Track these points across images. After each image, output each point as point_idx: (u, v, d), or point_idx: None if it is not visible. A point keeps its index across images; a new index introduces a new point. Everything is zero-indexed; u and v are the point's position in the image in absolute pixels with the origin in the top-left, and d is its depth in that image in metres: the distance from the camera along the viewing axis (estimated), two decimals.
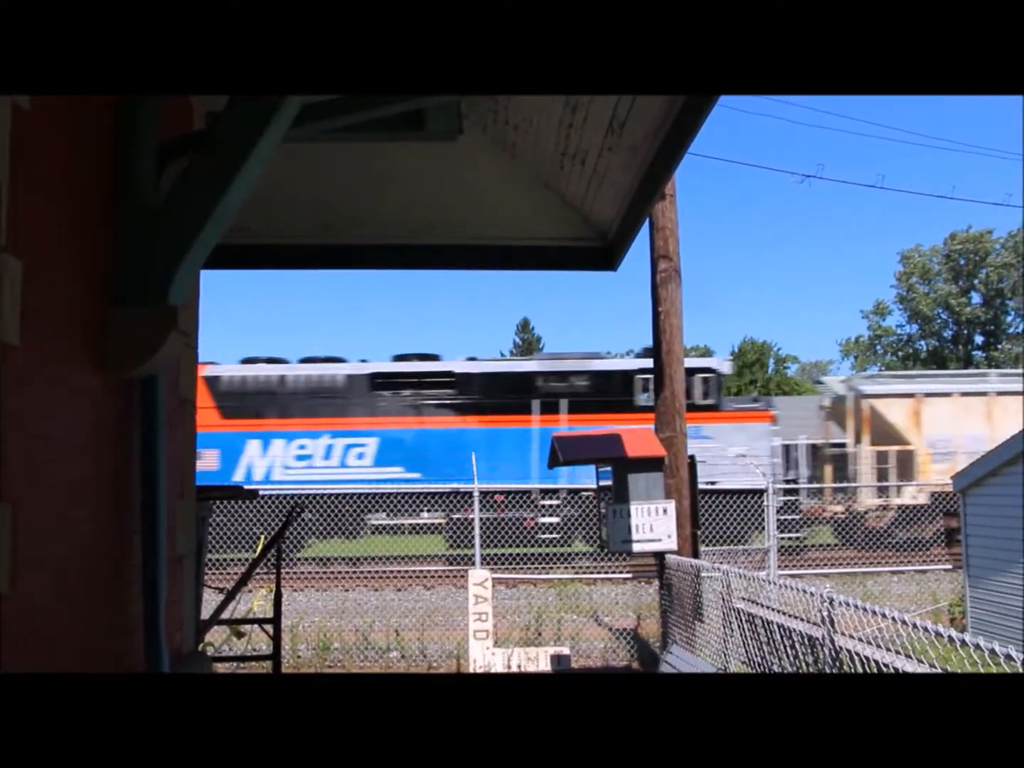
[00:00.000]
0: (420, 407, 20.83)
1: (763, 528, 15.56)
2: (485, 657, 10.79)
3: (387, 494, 18.78)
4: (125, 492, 3.52)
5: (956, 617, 13.69)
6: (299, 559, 19.52)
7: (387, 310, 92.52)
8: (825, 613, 5.42)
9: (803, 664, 5.94)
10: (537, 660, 10.59)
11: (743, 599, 7.63)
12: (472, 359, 21.84)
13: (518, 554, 16.79)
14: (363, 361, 21.84)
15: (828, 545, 20.79)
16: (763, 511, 15.22)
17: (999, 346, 51.45)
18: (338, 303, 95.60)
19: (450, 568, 17.98)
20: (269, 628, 6.32)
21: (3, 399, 2.54)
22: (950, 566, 16.78)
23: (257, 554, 6.38)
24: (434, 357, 21.79)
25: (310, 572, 18.16)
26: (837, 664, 5.28)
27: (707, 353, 55.83)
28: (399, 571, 18.23)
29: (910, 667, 4.58)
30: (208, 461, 19.14)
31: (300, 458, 20.63)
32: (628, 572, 15.67)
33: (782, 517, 18.49)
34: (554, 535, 20.00)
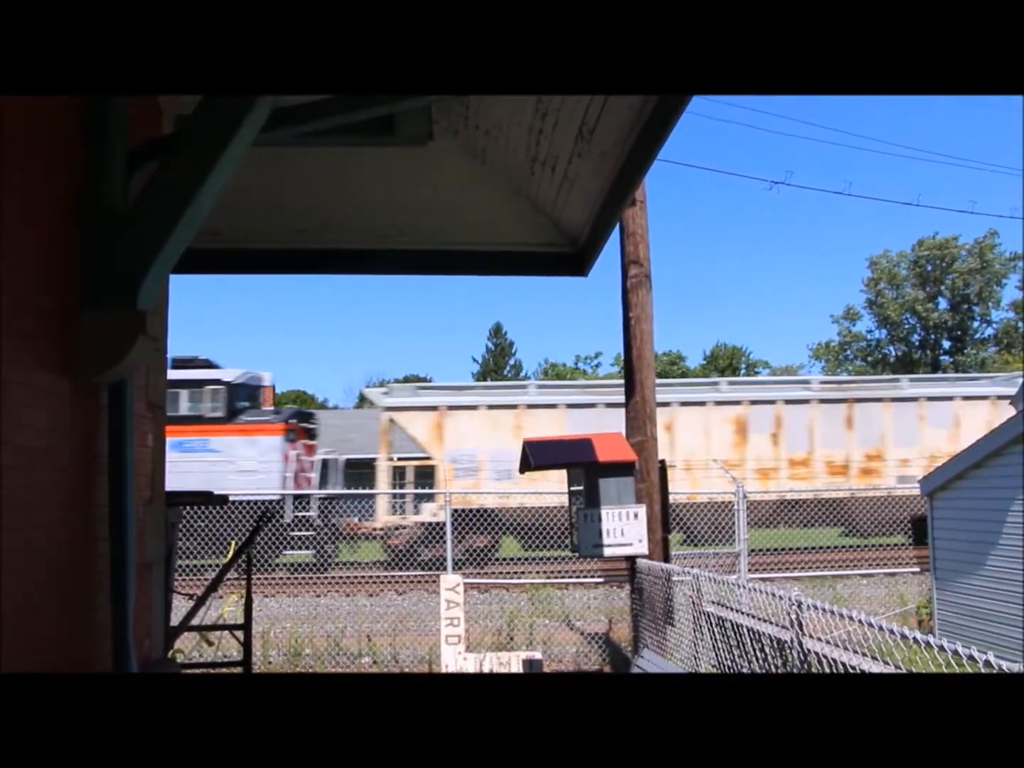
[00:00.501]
0: None
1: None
2: (457, 662, 10.77)
3: None
4: (93, 497, 3.50)
5: (924, 619, 13.82)
6: (276, 565, 19.39)
7: (360, 317, 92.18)
8: (793, 616, 5.47)
9: (772, 667, 5.98)
10: (509, 664, 10.57)
11: (713, 603, 7.67)
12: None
13: (490, 558, 16.75)
14: None
15: (801, 548, 20.95)
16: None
17: (965, 351, 52.09)
18: (305, 308, 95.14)
19: (423, 573, 17.93)
20: (240, 634, 6.28)
21: None
22: (918, 569, 16.95)
23: (227, 560, 6.35)
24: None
25: (281, 578, 18.04)
26: (806, 666, 5.33)
27: (679, 359, 56.13)
28: (371, 576, 18.16)
29: (876, 669, 4.63)
30: None
31: None
32: (600, 576, 15.70)
33: (297, 533, 18.67)
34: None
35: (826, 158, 77.05)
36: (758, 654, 6.34)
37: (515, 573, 16.64)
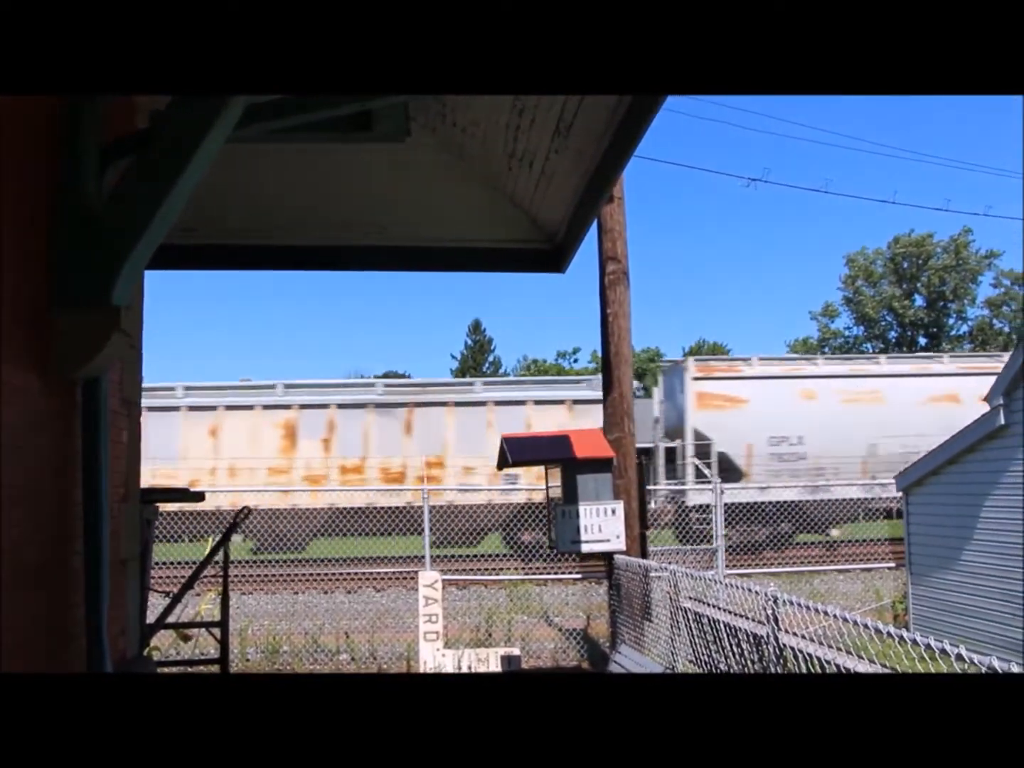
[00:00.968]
0: None
1: None
2: (435, 658, 10.77)
3: None
4: (67, 495, 3.47)
5: (899, 614, 13.95)
6: (255, 561, 19.33)
7: (340, 313, 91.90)
8: (769, 612, 5.51)
9: (749, 662, 6.02)
10: (487, 661, 10.58)
11: (691, 598, 7.71)
12: None
13: (469, 554, 16.76)
14: None
15: (779, 544, 21.10)
16: None
17: (941, 347, 52.53)
18: (284, 304, 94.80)
19: (401, 570, 17.91)
20: (217, 632, 6.25)
21: None
22: (893, 564, 17.08)
23: (204, 557, 6.31)
24: None
25: (260, 575, 17.97)
26: (781, 661, 5.37)
27: (657, 355, 56.17)
28: (350, 573, 18.12)
29: (851, 663, 4.67)
30: None
31: None
32: (578, 573, 15.74)
33: None
34: None
35: (805, 156, 77.43)
36: (735, 649, 6.37)
37: (494, 569, 16.66)
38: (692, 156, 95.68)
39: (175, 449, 19.81)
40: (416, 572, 12.35)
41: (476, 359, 61.16)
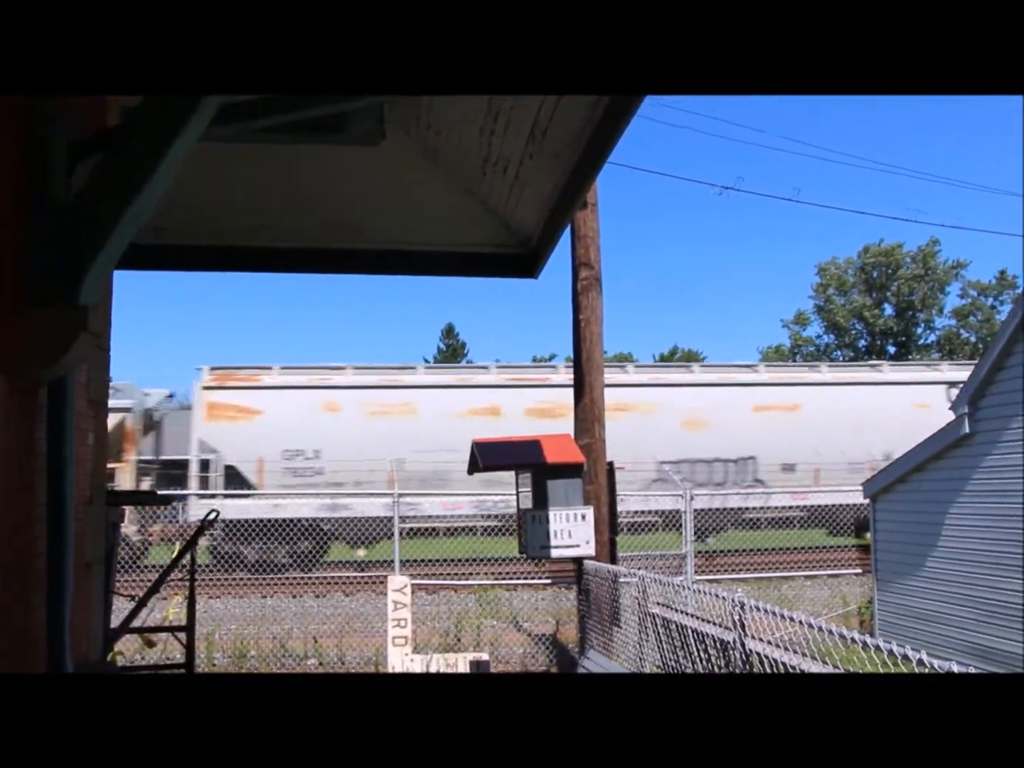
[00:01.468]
0: None
1: None
2: (403, 663, 10.75)
3: None
4: (31, 497, 3.43)
5: (865, 620, 14.07)
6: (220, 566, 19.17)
7: (310, 314, 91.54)
8: (736, 617, 5.54)
9: (716, 667, 6.05)
10: (456, 666, 10.57)
11: (659, 604, 7.74)
12: None
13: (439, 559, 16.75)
14: None
15: (746, 550, 21.19)
16: None
17: (910, 356, 53.07)
18: (252, 306, 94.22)
19: (370, 575, 17.82)
20: (183, 636, 6.19)
21: None
22: (860, 571, 17.23)
23: (171, 560, 6.26)
24: None
25: (227, 579, 17.83)
26: (748, 666, 5.40)
27: (628, 360, 56.32)
28: (319, 577, 18.02)
29: (816, 668, 4.71)
30: None
31: None
32: (548, 578, 15.76)
33: None
34: None
35: (776, 164, 78.03)
36: (702, 655, 6.40)
37: (463, 574, 16.63)
38: (666, 164, 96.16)
39: None
40: (385, 576, 12.31)
41: (449, 363, 61.03)
